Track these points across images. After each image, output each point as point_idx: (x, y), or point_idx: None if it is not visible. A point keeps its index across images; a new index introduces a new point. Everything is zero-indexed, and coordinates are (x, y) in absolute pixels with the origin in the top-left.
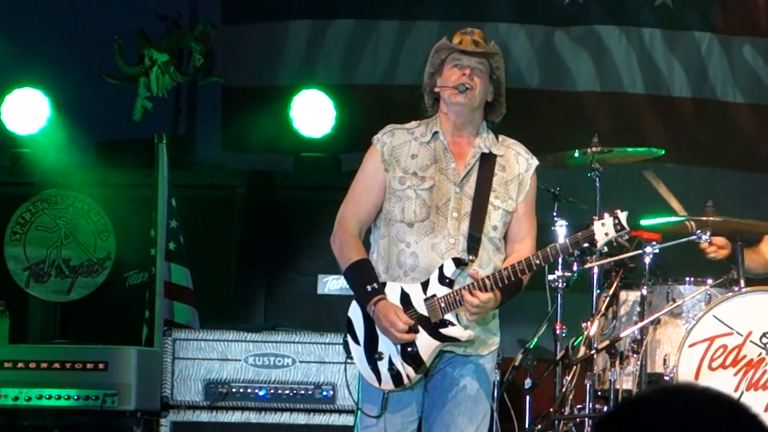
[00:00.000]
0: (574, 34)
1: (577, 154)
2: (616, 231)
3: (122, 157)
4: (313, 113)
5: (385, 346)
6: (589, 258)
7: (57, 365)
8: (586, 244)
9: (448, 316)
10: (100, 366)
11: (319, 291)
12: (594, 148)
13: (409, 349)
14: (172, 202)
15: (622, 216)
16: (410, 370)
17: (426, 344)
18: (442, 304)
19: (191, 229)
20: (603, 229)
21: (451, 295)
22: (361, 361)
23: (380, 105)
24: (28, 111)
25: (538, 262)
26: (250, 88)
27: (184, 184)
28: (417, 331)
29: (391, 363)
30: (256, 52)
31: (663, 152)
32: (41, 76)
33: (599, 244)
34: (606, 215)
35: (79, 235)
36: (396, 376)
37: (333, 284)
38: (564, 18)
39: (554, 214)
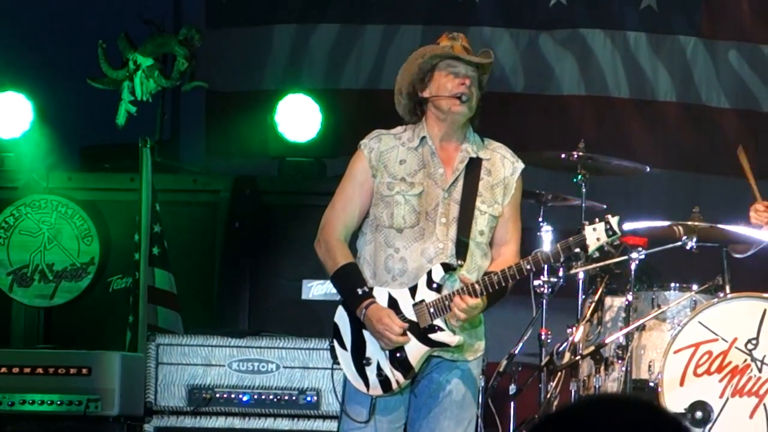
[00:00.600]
0: (558, 37)
1: (563, 156)
2: (608, 236)
3: (106, 161)
4: (297, 118)
5: (372, 351)
6: (574, 263)
7: (40, 370)
8: (577, 249)
9: (437, 322)
10: (84, 371)
11: (304, 296)
12: (579, 153)
13: (397, 354)
14: (156, 206)
15: (614, 221)
16: (399, 376)
17: (415, 349)
18: (431, 310)
19: (175, 234)
20: (594, 234)
21: (440, 301)
22: (349, 367)
23: (365, 109)
24: (12, 115)
25: (528, 267)
26: (234, 92)
27: (168, 188)
28: (406, 334)
29: (379, 368)
30: (240, 57)
31: (648, 169)
32: (25, 80)
33: (590, 249)
34: (597, 220)
35: (62, 239)
36: (384, 382)
37: (317, 289)
38: (549, 21)
39: (540, 219)
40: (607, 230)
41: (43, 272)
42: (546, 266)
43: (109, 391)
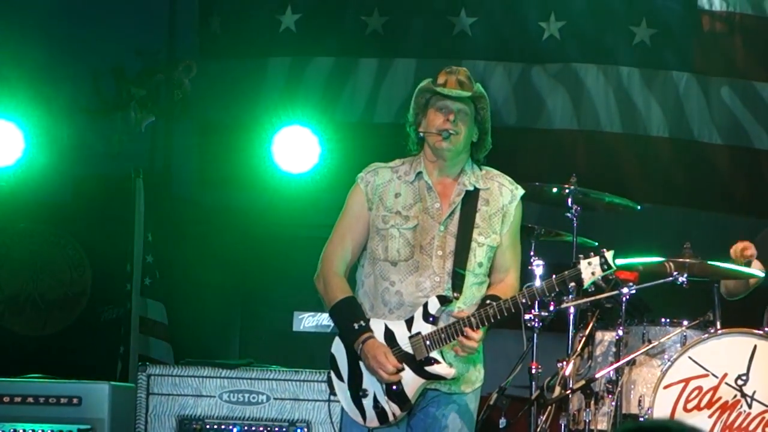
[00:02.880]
0: (551, 70)
1: (555, 190)
2: (603, 270)
3: (99, 191)
4: (291, 150)
5: (369, 383)
6: (565, 298)
7: (31, 400)
8: (572, 284)
9: (433, 354)
10: (74, 401)
11: (295, 328)
12: (572, 187)
13: (394, 387)
14: (149, 237)
15: (609, 255)
16: (395, 408)
17: (411, 382)
18: (427, 342)
19: (167, 265)
20: (590, 269)
21: (436, 333)
22: (346, 399)
23: (359, 142)
24: (5, 144)
25: (524, 301)
26: (227, 123)
27: (160, 219)
28: (403, 370)
29: (375, 400)
30: (234, 88)
31: (639, 207)
32: (17, 109)
33: (586, 284)
34: (592, 254)
35: (55, 269)
36: (381, 414)
37: (308, 321)
38: (541, 54)
39: (531, 253)
40: (602, 264)
41: (35, 301)
42: (539, 299)
43: (99, 421)
